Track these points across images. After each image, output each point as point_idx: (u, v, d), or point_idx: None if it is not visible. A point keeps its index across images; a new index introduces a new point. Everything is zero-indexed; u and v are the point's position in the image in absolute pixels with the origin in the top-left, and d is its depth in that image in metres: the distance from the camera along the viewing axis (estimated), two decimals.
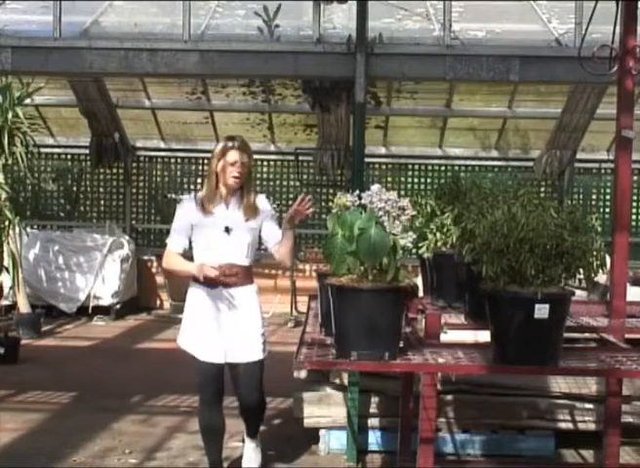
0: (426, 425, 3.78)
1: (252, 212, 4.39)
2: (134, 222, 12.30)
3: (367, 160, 8.32)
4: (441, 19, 6.82)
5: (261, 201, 4.50)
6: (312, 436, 5.59)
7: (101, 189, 12.45)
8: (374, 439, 5.34)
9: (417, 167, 12.30)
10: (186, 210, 4.44)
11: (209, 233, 4.36)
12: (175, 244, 4.45)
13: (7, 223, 8.38)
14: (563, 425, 5.35)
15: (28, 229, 10.41)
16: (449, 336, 3.85)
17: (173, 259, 4.45)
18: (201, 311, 4.39)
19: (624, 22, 4.20)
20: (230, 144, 4.36)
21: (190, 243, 4.47)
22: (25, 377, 7.31)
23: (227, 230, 4.34)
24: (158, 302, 11.77)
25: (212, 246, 4.36)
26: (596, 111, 10.51)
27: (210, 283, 4.31)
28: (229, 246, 4.35)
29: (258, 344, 4.41)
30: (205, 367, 4.38)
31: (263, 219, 4.46)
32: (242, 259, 4.40)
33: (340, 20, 7.50)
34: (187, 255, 4.56)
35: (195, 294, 4.43)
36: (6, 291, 9.67)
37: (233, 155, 4.34)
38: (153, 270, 11.92)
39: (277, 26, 7.21)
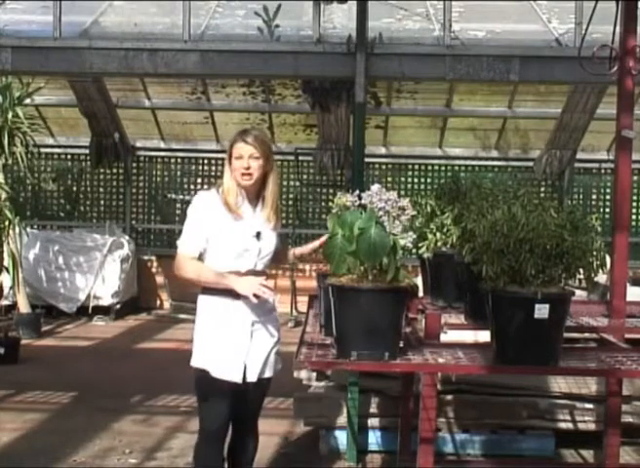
0: (426, 425, 3.78)
1: (276, 218, 3.83)
2: (134, 222, 12.29)
3: (367, 160, 8.32)
4: (441, 19, 6.82)
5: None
6: (312, 436, 5.59)
7: (101, 189, 12.45)
8: (374, 439, 5.34)
9: (417, 167, 12.30)
10: (208, 208, 3.73)
11: (237, 237, 3.71)
12: (191, 247, 3.71)
13: (7, 223, 8.37)
14: (563, 425, 5.35)
15: (28, 229, 10.41)
16: (449, 336, 3.85)
17: (193, 266, 3.69)
18: (221, 324, 3.70)
19: (624, 22, 4.21)
20: (239, 136, 3.76)
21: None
22: (25, 377, 7.30)
23: (258, 235, 3.74)
24: (158, 302, 11.77)
25: (240, 253, 3.71)
26: (596, 111, 10.51)
27: (230, 292, 3.65)
28: (258, 253, 3.75)
29: (277, 358, 3.87)
30: (217, 385, 3.68)
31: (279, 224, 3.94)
32: (264, 266, 3.83)
33: (340, 20, 7.51)
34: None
35: (212, 307, 3.74)
36: (6, 291, 9.67)
37: (240, 148, 3.72)
38: (153, 270, 11.92)
39: (277, 26, 7.22)
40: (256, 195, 3.79)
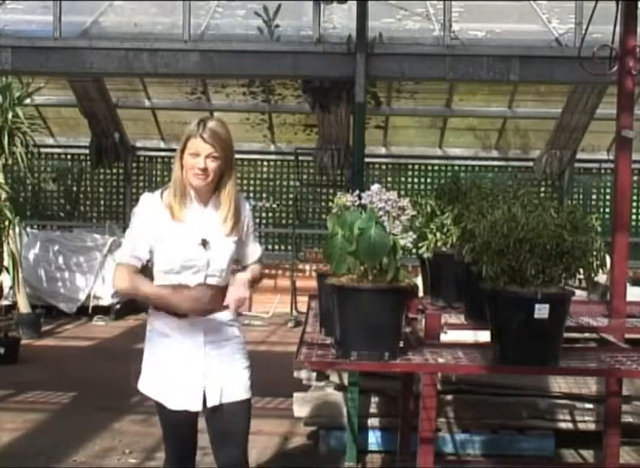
0: (426, 425, 3.78)
1: (233, 222, 3.30)
2: None
3: (367, 160, 8.31)
4: (441, 19, 6.83)
5: (243, 205, 3.40)
6: (312, 436, 5.59)
7: (101, 189, 12.47)
8: (374, 439, 5.34)
9: (417, 167, 12.32)
10: (149, 212, 3.26)
11: (179, 246, 3.23)
12: (130, 255, 3.25)
13: (7, 223, 8.38)
14: (563, 425, 5.35)
15: (28, 229, 10.43)
16: (449, 336, 3.85)
17: (129, 279, 3.25)
18: (168, 347, 3.29)
19: (624, 22, 4.20)
20: (195, 129, 3.20)
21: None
22: (25, 377, 7.30)
23: (204, 244, 3.25)
24: None
25: (184, 265, 3.23)
26: (596, 111, 10.52)
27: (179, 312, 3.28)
28: (207, 265, 3.25)
29: (244, 379, 3.37)
30: (176, 417, 3.31)
31: (243, 230, 3.39)
32: (219, 280, 3.30)
33: (340, 20, 7.51)
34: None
35: (157, 327, 3.32)
36: (6, 291, 9.67)
37: (196, 145, 3.20)
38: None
39: (277, 26, 7.23)
40: (207, 197, 3.29)
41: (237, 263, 3.44)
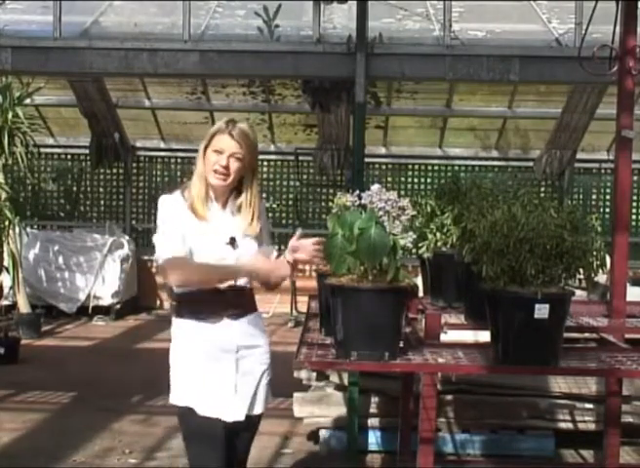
0: (426, 425, 3.78)
1: (257, 223, 3.24)
2: (134, 222, 12.30)
3: (367, 160, 8.32)
4: (441, 19, 6.83)
5: (264, 210, 3.38)
6: (312, 436, 5.59)
7: (101, 189, 12.46)
8: (374, 439, 5.34)
9: (417, 167, 12.31)
10: (174, 211, 3.18)
11: (209, 245, 3.15)
12: (175, 247, 3.11)
13: (7, 223, 8.38)
14: (563, 425, 5.35)
15: (28, 229, 10.43)
16: (449, 336, 3.85)
17: (189, 265, 3.12)
18: (202, 354, 3.18)
19: (624, 22, 4.20)
20: (224, 127, 3.15)
21: None
22: (25, 377, 7.30)
23: (232, 242, 3.17)
24: (158, 302, 11.77)
25: (214, 262, 3.15)
26: (596, 111, 10.51)
27: (210, 314, 3.17)
28: (235, 262, 3.17)
29: (268, 391, 3.32)
30: (212, 425, 3.11)
31: (261, 231, 3.31)
32: (247, 280, 3.25)
33: (340, 20, 7.51)
34: None
35: (189, 332, 3.21)
36: (6, 291, 9.67)
37: (222, 141, 3.14)
38: (153, 270, 11.90)
39: (277, 26, 7.24)
40: (226, 198, 3.23)
41: None
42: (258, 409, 3.23)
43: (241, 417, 3.15)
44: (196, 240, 3.14)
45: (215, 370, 3.15)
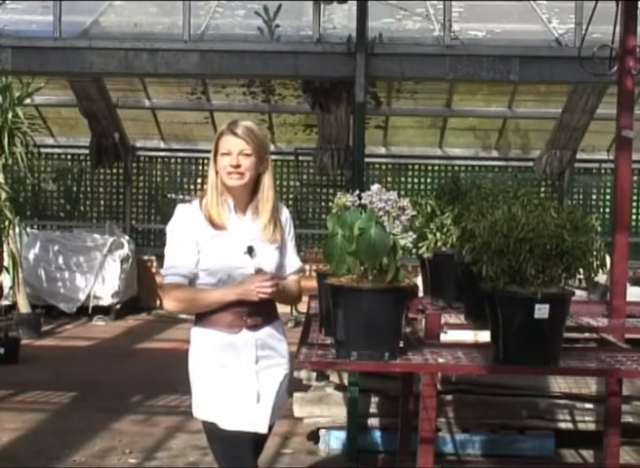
0: (426, 425, 3.79)
1: (273, 227, 3.17)
2: (134, 222, 12.29)
3: (367, 160, 8.32)
4: (441, 19, 6.83)
5: (281, 211, 3.27)
6: (312, 436, 5.59)
7: (101, 189, 12.46)
8: (374, 439, 5.34)
9: (417, 167, 12.30)
10: (189, 223, 3.13)
11: (225, 255, 3.10)
12: (179, 273, 3.09)
13: (7, 223, 8.39)
14: (563, 425, 5.35)
15: (28, 229, 10.42)
16: (449, 336, 3.85)
17: (185, 295, 3.10)
18: (222, 366, 3.11)
19: (624, 22, 4.21)
20: (226, 128, 3.12)
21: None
22: (25, 377, 7.30)
23: (250, 251, 3.11)
24: (158, 302, 11.75)
25: (231, 275, 3.10)
26: (596, 111, 10.51)
27: (229, 325, 3.11)
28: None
29: (285, 402, 3.37)
30: (239, 439, 3.08)
31: (283, 238, 3.24)
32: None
33: (340, 20, 7.52)
34: None
35: (210, 345, 3.13)
36: (6, 291, 9.68)
37: (227, 143, 3.10)
38: (153, 270, 11.92)
39: (277, 26, 7.24)
40: (246, 202, 3.17)
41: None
42: (272, 420, 3.21)
43: (264, 430, 3.13)
44: (212, 250, 3.10)
45: (236, 381, 3.10)
